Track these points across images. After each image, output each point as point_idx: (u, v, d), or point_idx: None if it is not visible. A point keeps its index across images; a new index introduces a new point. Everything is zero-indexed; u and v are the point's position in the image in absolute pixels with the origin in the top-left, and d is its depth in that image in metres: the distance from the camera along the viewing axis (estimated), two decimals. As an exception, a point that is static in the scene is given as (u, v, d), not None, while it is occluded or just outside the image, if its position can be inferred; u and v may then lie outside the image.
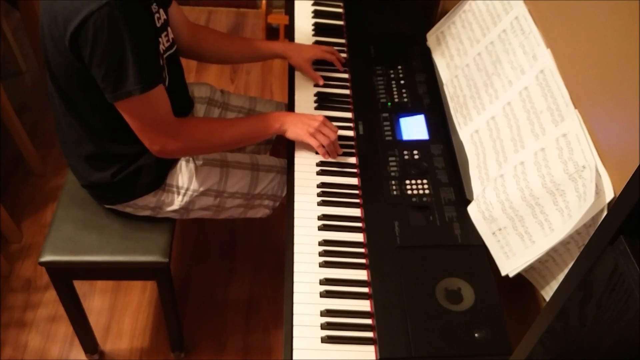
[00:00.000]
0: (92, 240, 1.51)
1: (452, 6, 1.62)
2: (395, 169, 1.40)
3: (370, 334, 1.16)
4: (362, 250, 1.29)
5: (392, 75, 1.63)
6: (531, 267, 1.18)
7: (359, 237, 1.31)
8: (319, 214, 1.34)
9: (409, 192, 1.36)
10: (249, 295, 2.04)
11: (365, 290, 1.22)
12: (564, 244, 1.10)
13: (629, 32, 0.93)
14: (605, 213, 1.00)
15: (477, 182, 1.32)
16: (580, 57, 1.11)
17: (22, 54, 2.63)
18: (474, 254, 1.26)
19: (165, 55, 1.39)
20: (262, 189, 1.59)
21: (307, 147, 1.46)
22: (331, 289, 1.22)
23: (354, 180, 1.42)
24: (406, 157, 1.43)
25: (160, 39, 1.36)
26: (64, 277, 1.56)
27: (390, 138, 1.48)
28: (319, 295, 1.21)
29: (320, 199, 1.37)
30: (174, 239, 1.57)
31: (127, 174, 1.45)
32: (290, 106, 1.59)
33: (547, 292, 1.19)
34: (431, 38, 1.66)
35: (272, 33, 2.84)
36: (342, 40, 1.77)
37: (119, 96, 1.22)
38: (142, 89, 1.22)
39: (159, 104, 1.30)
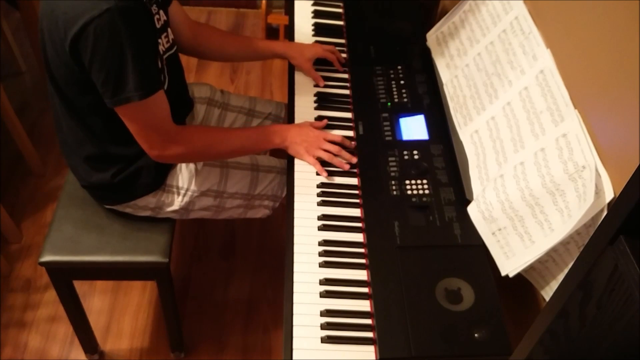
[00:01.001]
0: (92, 241, 1.51)
1: (452, 6, 1.62)
2: (395, 169, 1.40)
3: (370, 334, 1.16)
4: (362, 250, 1.29)
5: (392, 75, 1.63)
6: (531, 267, 1.18)
7: (358, 237, 1.31)
8: (319, 214, 1.34)
9: (409, 192, 1.36)
10: (249, 295, 2.04)
11: (365, 290, 1.22)
12: (564, 244, 1.10)
13: (629, 32, 0.93)
14: (605, 213, 1.00)
15: (477, 182, 1.32)
16: (580, 57, 1.11)
17: (22, 54, 2.63)
18: (474, 254, 1.25)
19: (165, 56, 1.39)
20: (262, 189, 1.59)
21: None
22: (331, 289, 1.22)
23: (354, 180, 1.42)
24: (406, 157, 1.43)
25: (160, 40, 1.36)
26: (64, 277, 1.56)
27: (390, 138, 1.48)
28: (318, 295, 1.21)
29: (320, 199, 1.37)
30: (174, 239, 1.57)
31: (127, 175, 1.45)
32: (290, 106, 1.59)
33: (547, 292, 1.19)
34: (431, 38, 1.66)
35: (272, 33, 2.84)
36: (342, 40, 1.77)
37: (118, 102, 1.22)
38: (142, 95, 1.21)
39: (158, 110, 1.29)
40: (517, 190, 1.16)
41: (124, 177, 1.45)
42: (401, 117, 1.52)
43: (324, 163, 1.44)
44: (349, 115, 1.57)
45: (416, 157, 1.43)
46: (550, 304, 0.88)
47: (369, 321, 1.18)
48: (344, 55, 1.72)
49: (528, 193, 1.14)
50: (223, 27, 3.02)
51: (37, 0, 1.25)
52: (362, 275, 1.25)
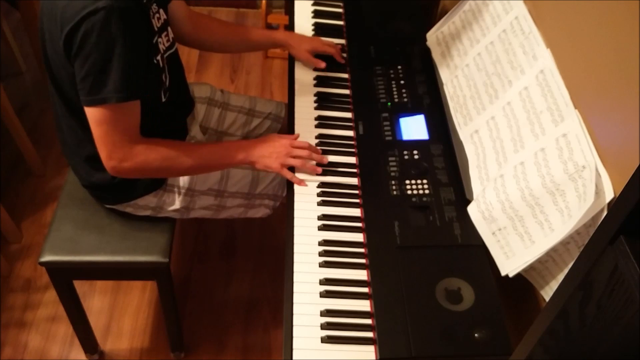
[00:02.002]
0: (92, 240, 1.51)
1: (452, 6, 1.62)
2: (395, 169, 1.40)
3: (370, 334, 1.16)
4: (362, 250, 1.29)
5: (392, 75, 1.63)
6: (531, 267, 1.18)
7: (359, 237, 1.31)
8: (319, 214, 1.34)
9: (409, 192, 1.36)
10: (249, 295, 2.04)
11: (365, 290, 1.22)
12: (564, 244, 1.10)
13: (629, 32, 0.93)
14: (605, 213, 1.00)
15: (477, 182, 1.32)
16: (580, 57, 1.11)
17: (22, 54, 2.63)
18: (474, 254, 1.25)
19: (165, 55, 1.39)
20: (262, 188, 1.59)
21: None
22: (331, 289, 1.22)
23: (354, 180, 1.42)
24: (406, 157, 1.43)
25: (160, 39, 1.36)
26: (64, 277, 1.56)
27: (390, 138, 1.48)
28: (319, 295, 1.21)
29: (320, 199, 1.37)
30: (174, 239, 1.57)
31: (127, 175, 1.44)
32: (290, 106, 1.59)
33: (547, 292, 1.19)
34: (431, 38, 1.66)
35: (272, 33, 2.84)
36: (342, 41, 1.77)
37: (93, 101, 1.20)
38: (119, 98, 1.19)
39: (129, 119, 1.26)
40: (517, 190, 1.16)
41: (124, 177, 1.44)
42: (401, 117, 1.52)
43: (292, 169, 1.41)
44: (349, 115, 1.57)
45: (416, 157, 1.43)
46: (550, 304, 0.88)
47: (369, 321, 1.18)
48: (343, 55, 1.72)
49: (528, 193, 1.14)
50: (223, 27, 3.01)
51: (37, 0, 1.25)
52: (362, 275, 1.25)
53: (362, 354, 1.14)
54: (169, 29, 1.42)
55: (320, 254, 1.27)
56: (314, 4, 1.89)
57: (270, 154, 1.40)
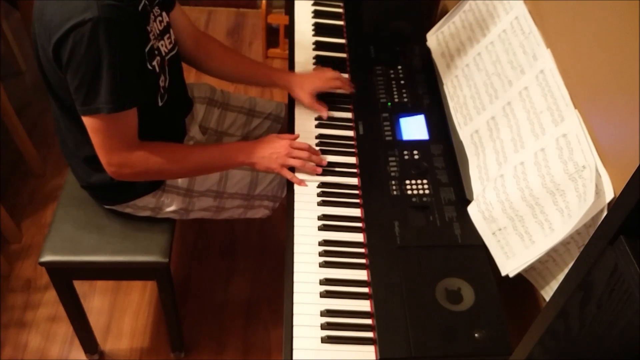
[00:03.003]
0: (92, 241, 1.51)
1: (452, 6, 1.62)
2: (395, 169, 1.40)
3: (370, 334, 1.16)
4: (362, 250, 1.29)
5: (392, 75, 1.63)
6: (531, 267, 1.18)
7: (359, 237, 1.31)
8: (319, 214, 1.34)
9: (409, 192, 1.36)
10: (249, 295, 2.04)
11: (365, 290, 1.22)
12: (564, 244, 1.10)
13: (629, 32, 0.93)
14: (605, 213, 1.00)
15: (477, 182, 1.32)
16: (580, 57, 1.11)
17: (22, 54, 2.63)
18: (474, 254, 1.25)
19: (167, 57, 1.39)
20: (261, 189, 1.59)
21: (307, 147, 1.46)
22: (331, 289, 1.21)
23: (354, 180, 1.42)
24: (406, 157, 1.43)
25: (162, 42, 1.36)
26: (64, 277, 1.56)
27: (390, 138, 1.47)
28: (319, 295, 1.21)
29: (320, 199, 1.37)
30: (174, 239, 1.57)
31: (126, 175, 1.44)
32: (290, 106, 1.59)
33: (547, 292, 1.19)
34: (431, 38, 1.66)
35: (272, 33, 2.84)
36: (342, 41, 1.77)
37: (87, 111, 1.21)
38: (111, 109, 1.20)
39: (125, 127, 1.27)
40: (517, 190, 1.16)
41: (123, 177, 1.44)
42: (401, 117, 1.52)
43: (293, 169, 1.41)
44: (349, 115, 1.57)
45: (416, 157, 1.43)
46: (550, 304, 0.88)
47: (369, 321, 1.18)
48: (343, 55, 1.72)
49: (528, 193, 1.14)
50: (223, 27, 3.02)
51: (37, 0, 1.25)
52: (362, 275, 1.25)
53: (362, 354, 1.14)
54: (172, 31, 1.42)
55: (320, 254, 1.27)
56: (314, 4, 1.89)
57: (270, 154, 1.40)
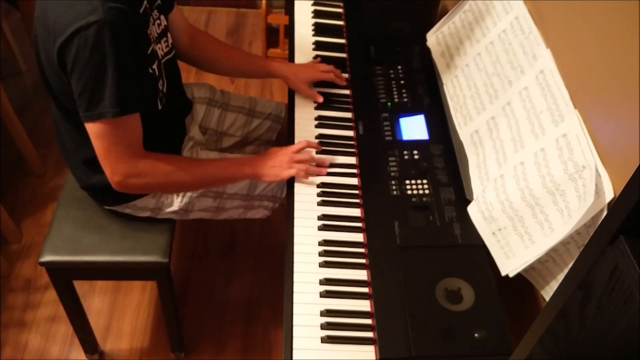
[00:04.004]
0: (92, 241, 1.51)
1: (452, 6, 1.62)
2: (395, 169, 1.40)
3: (370, 334, 1.16)
4: (362, 250, 1.29)
5: (392, 75, 1.63)
6: (531, 267, 1.18)
7: (359, 237, 1.31)
8: (319, 214, 1.34)
9: (409, 192, 1.36)
10: (249, 295, 2.04)
11: (365, 290, 1.22)
12: (564, 244, 1.10)
13: (629, 32, 0.93)
14: (605, 213, 1.00)
15: (477, 182, 1.32)
16: (580, 57, 1.11)
17: (22, 54, 2.63)
18: (474, 254, 1.25)
19: (163, 60, 1.39)
20: (261, 190, 1.59)
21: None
22: (331, 289, 1.22)
23: (354, 180, 1.42)
24: (406, 157, 1.43)
25: (159, 45, 1.36)
26: (63, 277, 1.56)
27: (390, 138, 1.48)
28: (319, 295, 1.21)
29: (320, 199, 1.37)
30: (174, 239, 1.57)
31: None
32: (290, 106, 1.59)
33: (547, 292, 1.19)
34: (431, 38, 1.66)
35: (272, 33, 2.84)
36: (342, 41, 1.77)
37: (90, 117, 1.20)
38: (115, 113, 1.19)
39: (129, 132, 1.26)
40: (517, 190, 1.16)
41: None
42: (401, 117, 1.52)
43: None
44: (349, 115, 1.57)
45: (416, 157, 1.43)
46: (550, 304, 0.88)
47: (369, 321, 1.18)
48: (343, 55, 1.72)
49: (528, 193, 1.14)
50: (223, 27, 3.02)
51: (37, 0, 1.24)
52: (362, 275, 1.25)
53: (362, 354, 1.14)
54: (169, 34, 1.42)
55: (320, 254, 1.27)
56: (314, 4, 1.89)
57: (274, 164, 1.42)
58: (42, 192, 2.26)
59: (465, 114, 1.42)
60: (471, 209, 1.29)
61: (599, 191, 1.00)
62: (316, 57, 1.71)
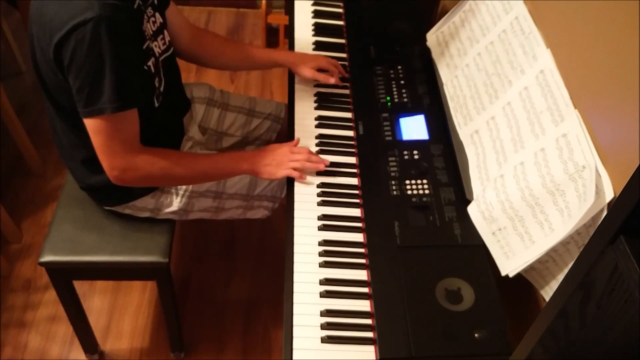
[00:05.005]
0: (92, 241, 1.51)
1: (452, 6, 1.62)
2: (395, 169, 1.40)
3: (370, 334, 1.16)
4: (362, 250, 1.29)
5: (392, 75, 1.63)
6: (531, 267, 1.18)
7: (359, 237, 1.31)
8: (319, 214, 1.34)
9: (409, 192, 1.36)
10: (249, 295, 2.04)
11: (365, 290, 1.22)
12: (564, 244, 1.10)
13: (629, 32, 0.93)
14: (605, 213, 1.00)
15: (477, 182, 1.32)
16: (580, 57, 1.11)
17: (22, 54, 2.63)
18: (474, 254, 1.25)
19: (161, 58, 1.39)
20: (261, 190, 1.59)
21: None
22: (331, 289, 1.21)
23: (354, 180, 1.42)
24: (406, 157, 1.43)
25: (156, 42, 1.36)
26: (63, 277, 1.56)
27: (390, 138, 1.48)
28: (319, 295, 1.21)
29: (320, 199, 1.37)
30: (174, 239, 1.57)
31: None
32: (290, 106, 1.59)
33: (547, 292, 1.19)
34: (431, 38, 1.66)
35: (272, 33, 2.84)
36: (342, 41, 1.77)
37: (90, 112, 1.20)
38: (115, 108, 1.19)
39: (127, 127, 1.26)
40: (517, 190, 1.16)
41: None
42: (401, 117, 1.52)
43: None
44: (349, 115, 1.57)
45: (416, 157, 1.43)
46: (550, 304, 0.88)
47: (369, 321, 1.18)
48: (343, 55, 1.72)
49: (528, 193, 1.14)
50: (223, 26, 3.02)
51: (31, 0, 1.24)
52: (362, 275, 1.25)
53: (362, 354, 1.14)
54: (165, 32, 1.42)
55: (320, 254, 1.27)
56: (314, 4, 1.89)
57: (272, 161, 1.41)
58: (42, 192, 2.26)
59: (465, 114, 1.42)
60: (471, 209, 1.29)
61: (599, 191, 1.00)
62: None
